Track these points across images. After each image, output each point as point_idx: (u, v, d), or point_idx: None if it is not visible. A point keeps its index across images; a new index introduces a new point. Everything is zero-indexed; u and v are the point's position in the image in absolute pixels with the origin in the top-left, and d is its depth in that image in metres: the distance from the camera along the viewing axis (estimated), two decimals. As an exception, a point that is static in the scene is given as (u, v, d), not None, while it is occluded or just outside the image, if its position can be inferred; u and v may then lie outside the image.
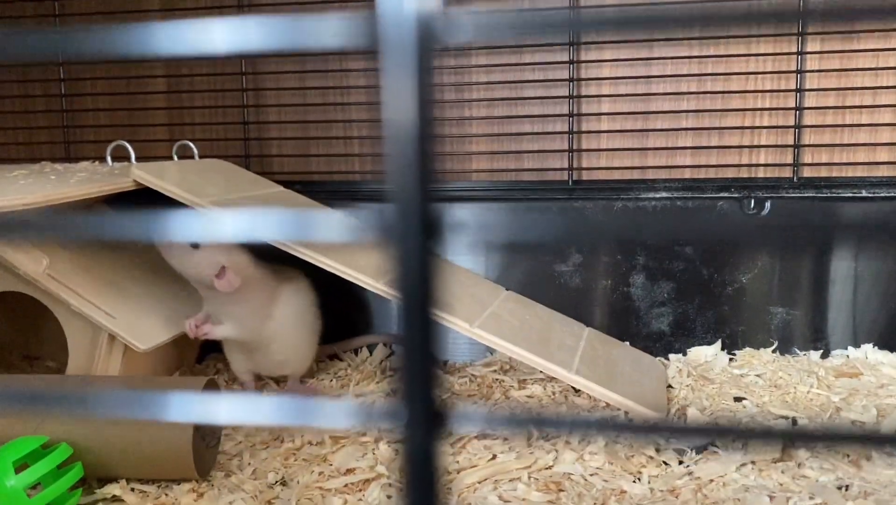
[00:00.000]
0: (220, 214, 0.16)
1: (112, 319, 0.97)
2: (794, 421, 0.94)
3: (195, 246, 0.96)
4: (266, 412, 0.16)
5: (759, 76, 1.19)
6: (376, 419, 0.15)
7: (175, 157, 1.18)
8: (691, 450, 0.86)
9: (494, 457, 0.87)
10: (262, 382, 1.10)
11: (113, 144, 1.12)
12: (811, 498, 0.75)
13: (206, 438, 0.89)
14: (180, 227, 0.17)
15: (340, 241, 0.16)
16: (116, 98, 1.36)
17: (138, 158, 1.11)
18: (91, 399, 0.17)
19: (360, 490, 0.81)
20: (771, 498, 0.75)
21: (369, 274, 0.98)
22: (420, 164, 0.16)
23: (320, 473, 0.84)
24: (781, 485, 0.78)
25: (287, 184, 1.24)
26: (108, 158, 1.12)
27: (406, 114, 0.15)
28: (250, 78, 1.31)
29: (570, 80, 1.22)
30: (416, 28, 0.13)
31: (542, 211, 1.20)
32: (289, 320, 1.05)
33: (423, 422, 0.14)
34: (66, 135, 1.38)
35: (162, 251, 0.99)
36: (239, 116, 1.32)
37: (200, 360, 1.22)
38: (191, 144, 1.20)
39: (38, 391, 0.18)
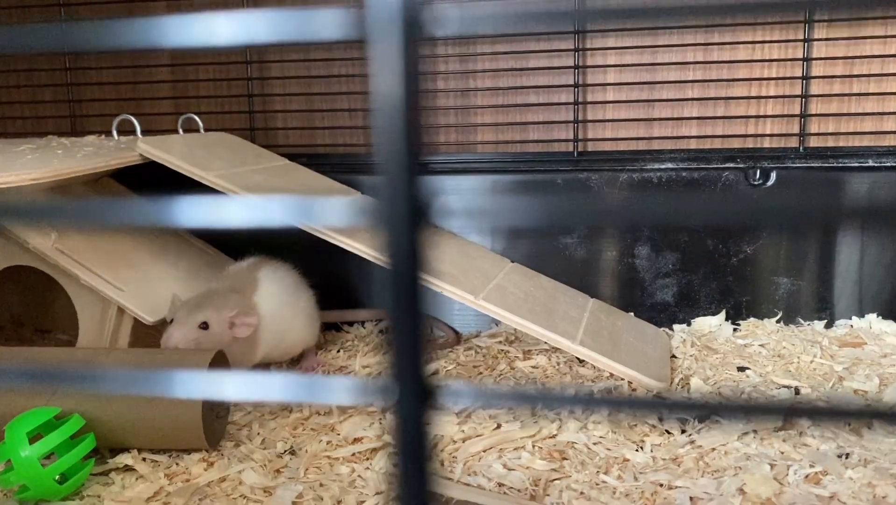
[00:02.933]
0: (223, 201, 0.17)
1: (121, 292, 0.98)
2: (797, 390, 0.95)
3: (204, 326, 0.93)
4: (265, 389, 0.17)
5: (766, 45, 1.18)
6: (369, 395, 0.16)
7: (180, 131, 1.19)
8: (694, 419, 0.87)
9: (499, 426, 0.88)
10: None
11: (119, 118, 1.12)
12: (811, 466, 0.76)
13: (216, 409, 0.90)
14: (187, 215, 0.17)
15: (343, 225, 0.16)
16: (121, 72, 1.36)
17: (144, 132, 1.11)
18: (103, 376, 0.18)
19: (368, 459, 0.82)
20: (772, 466, 0.76)
21: (373, 246, 0.98)
22: (407, 139, 0.16)
23: (328, 443, 0.86)
24: (783, 453, 0.79)
25: (292, 157, 1.24)
26: (114, 132, 1.13)
27: (392, 89, 0.15)
28: (254, 51, 1.31)
29: (576, 50, 1.21)
30: (402, 11, 0.14)
31: (547, 183, 1.20)
32: (274, 308, 1.03)
33: (413, 398, 0.15)
34: (72, 109, 1.39)
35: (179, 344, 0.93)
36: (244, 89, 1.32)
37: (209, 332, 1.23)
38: (196, 118, 1.20)
39: (53, 368, 0.18)
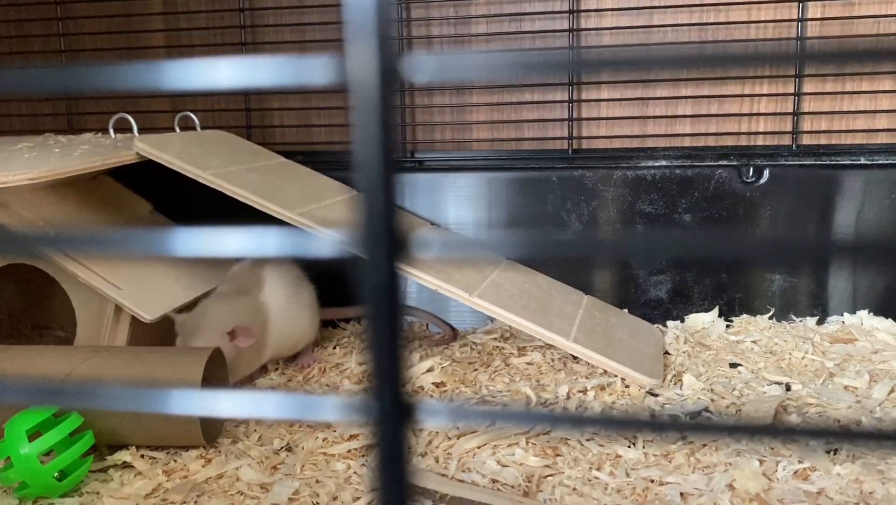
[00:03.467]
0: (221, 233, 0.18)
1: (118, 291, 0.99)
2: (788, 386, 0.96)
3: (231, 335, 0.95)
4: (256, 407, 0.17)
5: (760, 43, 1.18)
6: (352, 413, 0.17)
7: (177, 129, 1.19)
8: (685, 416, 0.88)
9: (493, 423, 0.89)
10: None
11: (115, 117, 1.13)
12: (800, 462, 0.77)
13: (213, 406, 0.91)
14: (188, 245, 0.18)
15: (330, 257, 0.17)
16: (116, 41, 1.36)
17: (140, 130, 1.12)
18: (100, 392, 0.19)
19: (363, 455, 0.83)
20: (761, 462, 0.77)
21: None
22: (383, 138, 0.17)
23: (324, 439, 0.87)
24: (772, 449, 0.80)
25: (288, 154, 1.25)
26: (111, 130, 1.13)
27: (369, 85, 0.16)
28: (250, 48, 1.32)
29: (570, 47, 1.22)
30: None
31: (543, 181, 1.21)
32: (280, 306, 1.05)
33: (392, 416, 0.15)
34: (69, 107, 1.39)
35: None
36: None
37: (206, 328, 1.24)
38: (192, 116, 1.21)
39: (50, 386, 0.19)
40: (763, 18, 1.17)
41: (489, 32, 1.25)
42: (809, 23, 1.16)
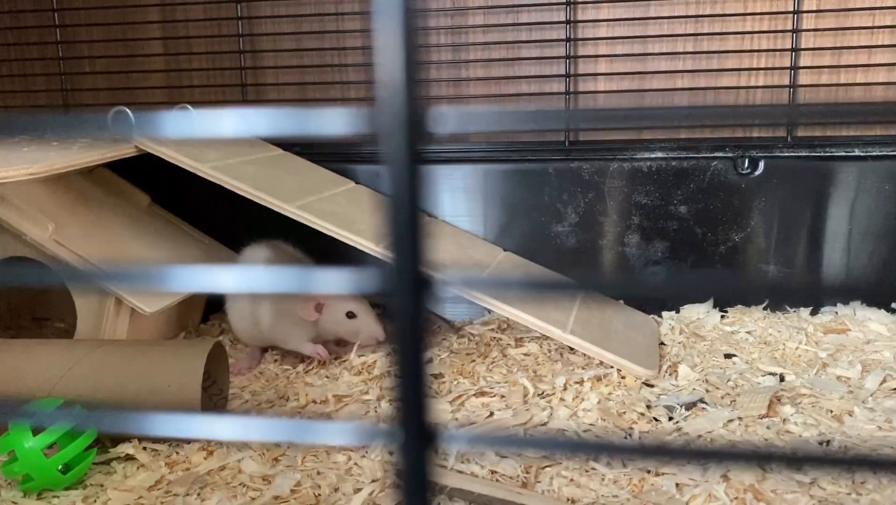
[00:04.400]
0: (229, 272, 0.18)
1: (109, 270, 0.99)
2: (782, 377, 0.97)
3: (351, 315, 1.05)
4: (269, 431, 0.18)
5: (755, 35, 1.19)
6: (375, 439, 0.18)
7: (175, 121, 1.19)
8: (681, 407, 0.89)
9: (491, 414, 0.91)
10: (265, 350, 1.12)
11: (114, 110, 1.12)
12: (794, 453, 0.78)
13: (214, 399, 0.92)
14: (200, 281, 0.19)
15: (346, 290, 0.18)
16: (114, 61, 1.37)
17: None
18: (106, 418, 0.20)
19: (364, 447, 0.84)
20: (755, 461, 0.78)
21: (368, 238, 1.00)
22: (409, 128, 0.17)
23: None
24: (766, 440, 0.81)
25: (286, 146, 1.25)
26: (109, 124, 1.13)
27: (395, 74, 0.16)
28: (247, 40, 1.32)
29: (567, 40, 1.22)
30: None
31: (539, 173, 1.22)
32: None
33: (416, 442, 0.16)
34: (66, 98, 1.39)
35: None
36: (237, 79, 1.33)
37: (204, 320, 1.25)
38: (190, 108, 1.21)
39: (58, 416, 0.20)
40: (759, 10, 1.18)
41: (486, 24, 1.25)
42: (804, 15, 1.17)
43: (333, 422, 0.17)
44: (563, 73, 1.23)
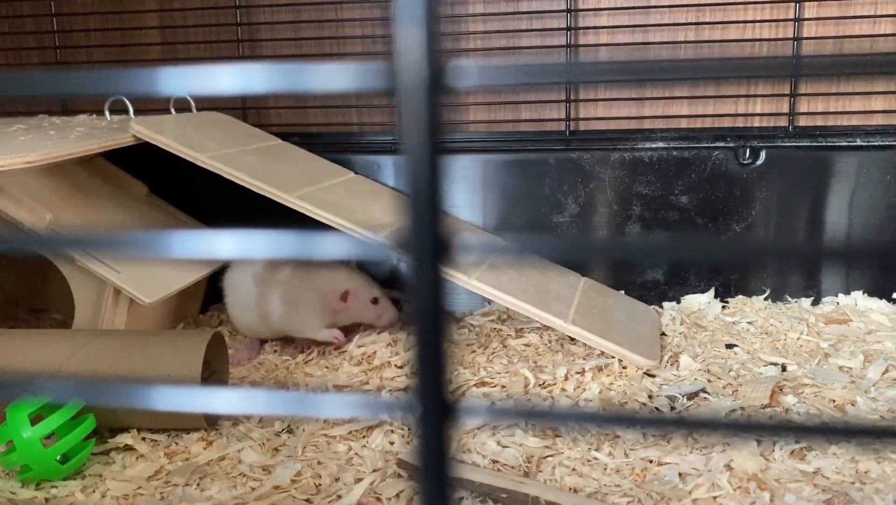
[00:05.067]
0: (233, 235, 0.18)
1: (116, 274, 0.99)
2: (784, 367, 0.97)
3: (375, 301, 1.07)
4: (280, 405, 0.18)
5: (757, 24, 1.18)
6: (393, 411, 0.17)
7: (172, 111, 1.18)
8: (682, 397, 0.89)
9: (492, 405, 0.90)
10: (265, 340, 1.11)
11: (111, 99, 1.12)
12: (797, 442, 0.78)
13: (213, 389, 0.92)
14: (192, 246, 0.18)
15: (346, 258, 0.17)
16: (112, 50, 1.35)
17: (135, 111, 1.11)
18: (101, 388, 0.19)
19: (364, 437, 0.84)
20: (758, 442, 0.78)
21: (368, 227, 0.99)
22: (429, 118, 0.17)
23: (325, 421, 0.87)
24: (771, 418, 0.81)
25: (284, 136, 1.25)
26: (107, 113, 1.12)
27: (417, 67, 0.16)
28: (245, 28, 1.31)
29: (568, 28, 1.21)
30: None
31: (539, 163, 1.21)
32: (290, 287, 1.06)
33: (435, 415, 0.16)
34: (58, 56, 1.38)
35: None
36: (234, 50, 1.32)
37: (203, 310, 1.24)
38: (187, 97, 1.20)
39: (51, 381, 0.19)
40: (760, 18, 1.17)
41: (486, 13, 1.24)
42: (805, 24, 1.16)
43: (347, 394, 0.17)
44: (565, 26, 1.21)
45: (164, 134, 1.02)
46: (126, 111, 1.11)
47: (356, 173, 1.22)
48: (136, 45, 1.35)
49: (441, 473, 0.15)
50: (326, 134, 1.32)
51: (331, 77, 0.16)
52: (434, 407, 0.16)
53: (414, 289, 0.16)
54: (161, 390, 0.19)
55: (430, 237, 0.15)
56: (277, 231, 0.17)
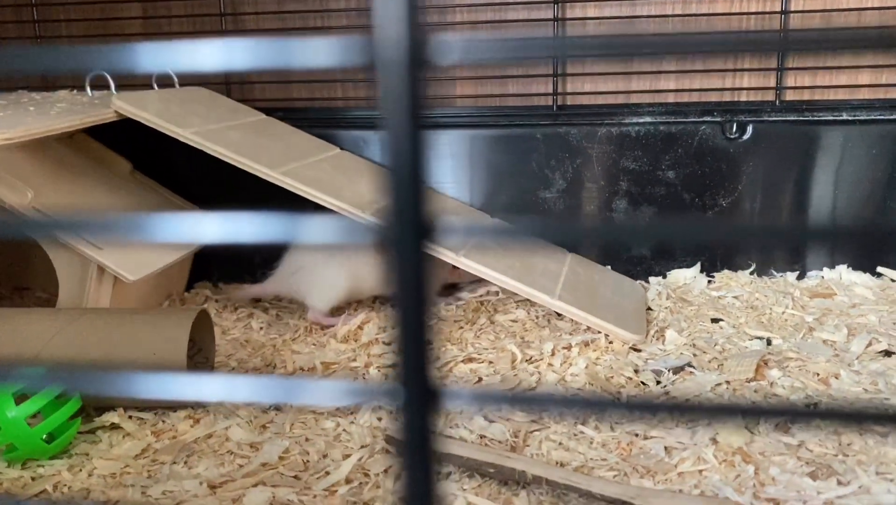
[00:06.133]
0: (217, 219, 0.17)
1: (100, 251, 0.98)
2: (769, 341, 0.98)
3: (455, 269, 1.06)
4: (263, 392, 0.17)
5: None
6: (377, 398, 0.17)
7: (155, 86, 1.17)
8: (668, 371, 0.90)
9: (480, 380, 0.90)
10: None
11: (92, 74, 1.10)
12: (781, 416, 0.78)
13: (200, 367, 0.91)
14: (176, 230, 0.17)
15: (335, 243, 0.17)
16: (92, 24, 1.33)
17: (117, 87, 1.09)
18: (84, 376, 0.19)
19: (352, 413, 0.84)
20: (743, 416, 0.78)
21: (354, 204, 0.99)
22: (410, 93, 0.17)
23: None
24: (754, 403, 0.82)
25: (268, 111, 1.23)
26: (88, 88, 1.11)
27: (397, 41, 0.15)
28: (228, 3, 1.28)
29: (555, 1, 1.20)
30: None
31: (527, 138, 1.20)
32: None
33: (419, 401, 0.15)
34: (38, 30, 1.35)
35: None
36: (216, 8, 1.29)
37: (189, 288, 1.23)
38: (170, 72, 1.18)
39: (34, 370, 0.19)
40: (746, 10, 1.17)
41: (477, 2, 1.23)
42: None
43: (330, 381, 0.16)
44: (551, 35, 1.21)
45: (146, 110, 1.01)
46: (107, 87, 1.10)
47: (342, 149, 1.21)
48: (116, 19, 1.33)
49: (426, 456, 0.15)
50: (311, 109, 1.30)
51: (309, 52, 0.16)
52: (418, 394, 0.16)
53: (396, 269, 0.16)
54: (145, 378, 0.19)
55: (412, 217, 0.15)
56: (262, 214, 0.17)
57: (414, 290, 0.16)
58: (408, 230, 0.15)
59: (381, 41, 0.14)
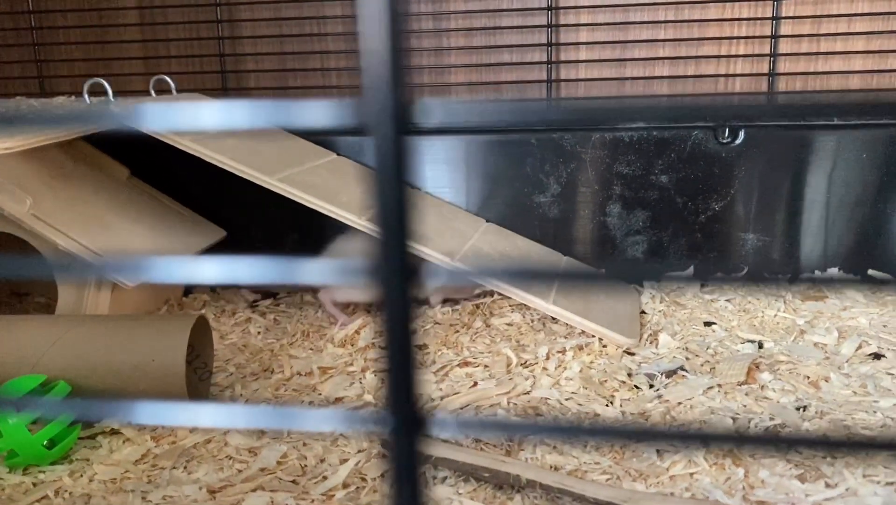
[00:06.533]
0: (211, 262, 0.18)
1: (98, 257, 0.99)
2: (760, 344, 0.99)
3: None
4: (255, 419, 0.18)
5: (736, 4, 1.19)
6: (365, 425, 0.18)
7: (152, 92, 1.18)
8: (661, 374, 0.91)
9: (475, 384, 0.92)
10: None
11: (90, 82, 1.11)
12: (771, 419, 0.80)
13: (199, 372, 0.92)
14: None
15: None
16: (89, 31, 1.34)
17: (114, 94, 1.10)
18: (87, 405, 0.20)
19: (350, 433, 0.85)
20: (734, 420, 0.80)
21: (351, 210, 1.00)
22: (394, 98, 0.17)
23: (310, 403, 0.88)
24: (745, 406, 0.83)
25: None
26: (86, 96, 1.12)
27: (380, 45, 0.16)
28: (224, 8, 1.30)
29: (549, 8, 1.21)
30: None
31: (521, 142, 1.22)
32: None
33: (406, 428, 0.17)
34: (40, 69, 1.36)
35: None
36: (215, 49, 1.31)
37: (187, 293, 1.24)
38: (168, 79, 1.19)
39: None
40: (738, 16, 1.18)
41: (468, 9, 1.24)
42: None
43: (321, 409, 0.17)
44: (546, 60, 1.22)
45: (144, 117, 1.01)
46: (105, 93, 1.11)
47: (339, 155, 1.22)
48: (114, 25, 1.33)
49: (413, 482, 0.16)
50: (308, 115, 1.31)
51: (297, 114, 0.17)
52: (405, 422, 0.17)
53: (382, 302, 0.17)
54: (145, 406, 0.20)
55: (398, 256, 0.16)
56: (260, 259, 0.18)
57: (399, 318, 0.17)
58: (394, 265, 0.16)
59: (369, 104, 0.15)
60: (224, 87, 1.31)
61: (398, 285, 0.16)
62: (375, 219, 0.16)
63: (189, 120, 0.18)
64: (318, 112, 0.16)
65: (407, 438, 0.17)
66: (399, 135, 0.15)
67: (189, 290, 1.25)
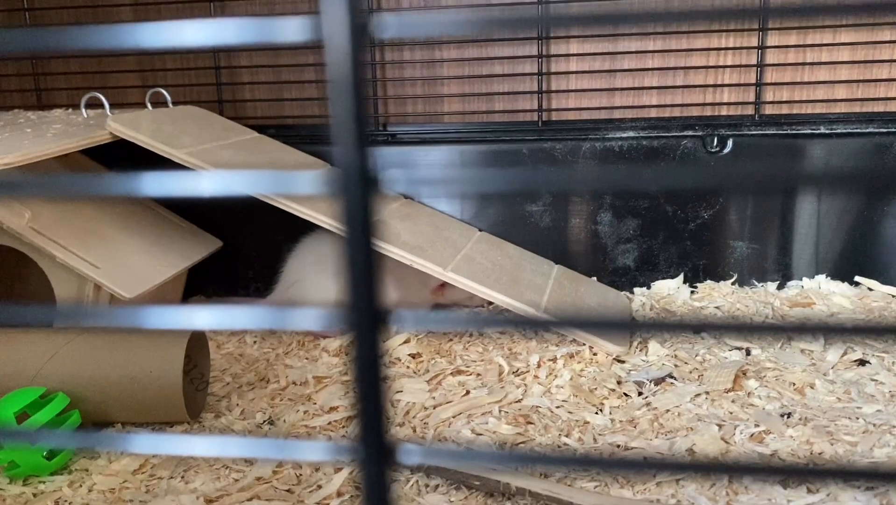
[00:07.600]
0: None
1: (96, 270, 1.00)
2: (748, 351, 1.01)
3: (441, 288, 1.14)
4: (244, 449, 0.20)
5: (723, 34, 1.21)
6: (338, 455, 0.19)
7: (148, 105, 1.19)
8: (650, 382, 0.92)
9: (468, 392, 0.93)
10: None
11: (87, 95, 1.12)
12: (756, 426, 0.81)
13: (195, 382, 0.94)
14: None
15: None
16: (82, 11, 1.35)
17: (111, 106, 1.12)
18: (110, 437, 0.21)
19: (344, 427, 0.87)
20: (720, 426, 0.82)
21: (332, 214, 1.01)
22: (356, 111, 0.19)
23: (305, 412, 0.90)
24: (731, 413, 0.85)
25: (261, 128, 1.26)
26: (83, 109, 1.13)
27: (344, 64, 0.18)
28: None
29: (539, 38, 1.23)
30: None
31: (513, 153, 1.23)
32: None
33: (375, 458, 0.18)
34: (37, 81, 1.38)
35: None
36: (211, 62, 1.32)
37: (184, 302, 1.26)
38: (164, 91, 1.21)
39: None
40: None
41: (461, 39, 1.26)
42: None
43: (304, 441, 0.19)
44: (536, 89, 1.24)
45: (140, 131, 1.03)
46: (101, 106, 1.12)
47: (333, 166, 1.24)
48: (106, 6, 1.34)
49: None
50: (302, 126, 1.33)
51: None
52: (374, 451, 0.18)
53: (353, 345, 0.18)
54: (144, 437, 0.21)
55: (368, 300, 0.18)
56: (252, 306, 0.20)
57: (369, 357, 0.18)
58: (364, 312, 0.18)
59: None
60: (220, 99, 1.33)
61: (367, 327, 0.18)
62: (343, 264, 0.18)
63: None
64: (304, 180, 0.18)
65: (377, 468, 0.18)
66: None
67: (186, 298, 1.26)
